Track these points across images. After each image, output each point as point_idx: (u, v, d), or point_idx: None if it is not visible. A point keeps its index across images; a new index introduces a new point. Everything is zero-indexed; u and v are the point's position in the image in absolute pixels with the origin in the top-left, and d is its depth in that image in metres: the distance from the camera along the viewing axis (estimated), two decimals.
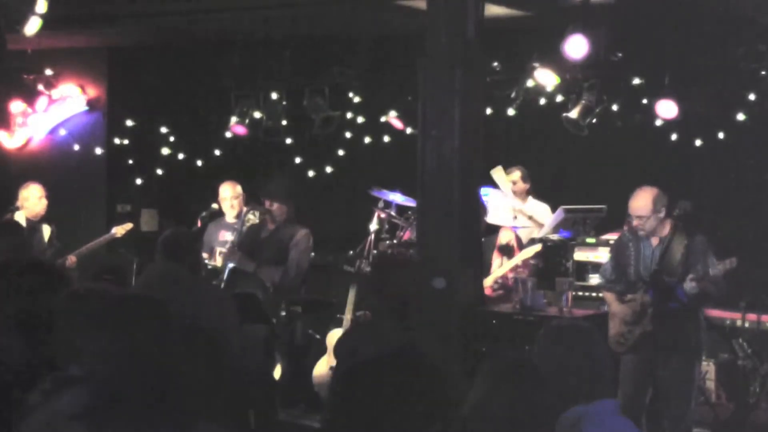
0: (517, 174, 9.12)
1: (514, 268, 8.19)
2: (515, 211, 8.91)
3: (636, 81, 8.98)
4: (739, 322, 7.91)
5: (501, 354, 3.52)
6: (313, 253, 9.34)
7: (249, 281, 7.55)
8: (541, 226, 8.84)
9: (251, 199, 8.74)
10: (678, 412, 6.62)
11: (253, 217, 8.09)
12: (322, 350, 8.06)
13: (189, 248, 5.61)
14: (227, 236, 8.34)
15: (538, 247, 8.14)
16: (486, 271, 8.07)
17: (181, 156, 11.06)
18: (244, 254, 7.81)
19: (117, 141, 11.22)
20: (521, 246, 8.36)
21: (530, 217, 8.99)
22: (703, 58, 8.63)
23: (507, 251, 8.28)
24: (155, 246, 5.74)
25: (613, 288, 6.83)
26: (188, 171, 10.93)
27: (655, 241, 6.62)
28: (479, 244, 7.02)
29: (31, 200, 8.73)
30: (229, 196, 8.87)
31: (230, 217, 8.80)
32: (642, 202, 6.56)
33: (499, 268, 8.16)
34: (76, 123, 11.35)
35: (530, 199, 9.17)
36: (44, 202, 8.76)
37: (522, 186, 9.11)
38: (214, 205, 9.01)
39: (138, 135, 11.12)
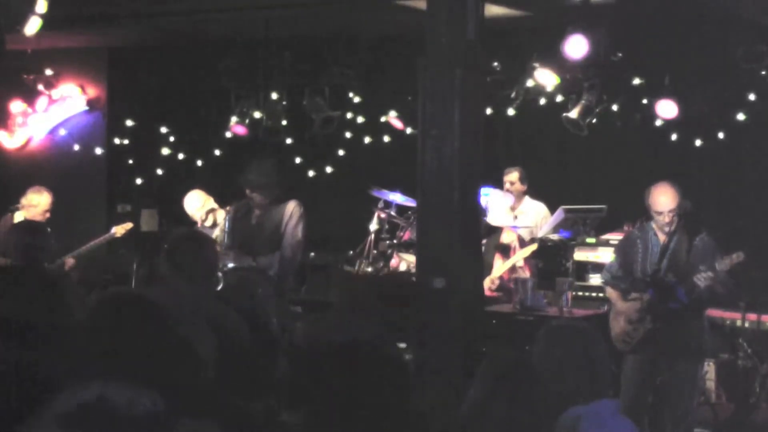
0: (515, 175, 9.12)
1: (513, 269, 8.19)
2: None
3: (636, 81, 8.98)
4: (739, 322, 7.92)
5: (500, 354, 3.50)
6: (313, 253, 9.35)
7: (250, 278, 7.51)
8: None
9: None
10: (680, 413, 6.62)
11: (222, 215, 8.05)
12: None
13: (177, 249, 5.51)
14: None
15: (533, 246, 8.13)
16: (487, 271, 8.07)
17: (181, 156, 11.06)
18: (237, 251, 7.72)
19: (117, 141, 11.23)
20: (523, 247, 8.36)
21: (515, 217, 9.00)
22: (703, 58, 8.64)
23: (507, 252, 8.29)
24: (155, 246, 5.72)
25: (618, 285, 6.83)
26: (188, 171, 10.93)
27: (663, 238, 6.62)
28: (479, 244, 7.01)
29: (39, 209, 8.69)
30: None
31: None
32: (668, 196, 6.57)
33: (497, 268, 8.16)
34: (76, 123, 11.36)
35: (527, 198, 9.18)
36: (47, 215, 8.73)
37: (520, 187, 9.12)
38: (214, 205, 9.01)
39: (138, 135, 11.12)
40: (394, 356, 2.87)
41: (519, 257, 8.16)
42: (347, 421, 2.64)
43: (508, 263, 8.16)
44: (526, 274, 8.12)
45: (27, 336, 3.60)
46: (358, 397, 2.65)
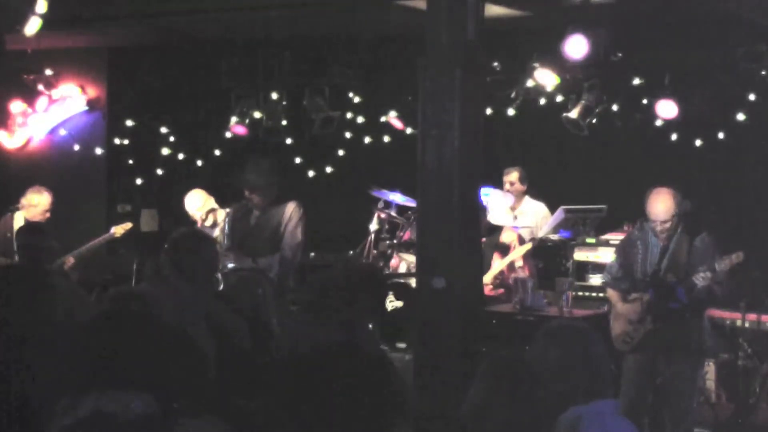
0: (515, 175, 9.13)
1: (512, 267, 8.19)
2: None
3: (636, 81, 8.98)
4: (739, 322, 7.91)
5: (500, 354, 3.50)
6: (313, 253, 9.34)
7: (250, 278, 7.50)
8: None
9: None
10: (679, 413, 6.63)
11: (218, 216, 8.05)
12: None
13: (178, 249, 5.48)
14: None
15: (528, 245, 8.15)
16: (486, 270, 8.07)
17: (181, 156, 11.05)
18: (237, 252, 7.71)
19: (117, 141, 11.22)
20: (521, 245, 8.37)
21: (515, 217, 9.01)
22: (703, 58, 8.63)
23: (507, 251, 8.29)
24: (155, 246, 5.69)
25: (618, 286, 6.83)
26: (188, 171, 10.93)
27: (662, 239, 6.62)
28: (479, 244, 7.02)
29: (39, 208, 8.69)
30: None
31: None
32: (664, 205, 6.56)
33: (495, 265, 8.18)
34: (76, 123, 11.35)
35: (527, 198, 9.18)
36: (47, 215, 8.73)
37: (519, 187, 9.12)
38: (215, 205, 9.00)
39: (138, 135, 11.12)
40: (376, 355, 2.87)
41: (516, 255, 8.16)
42: (334, 420, 2.64)
43: (506, 260, 8.18)
44: (525, 274, 8.12)
45: (27, 336, 3.60)
46: (341, 397, 2.66)
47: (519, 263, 8.27)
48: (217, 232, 8.29)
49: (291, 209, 7.67)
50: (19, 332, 3.59)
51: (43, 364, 3.36)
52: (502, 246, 8.36)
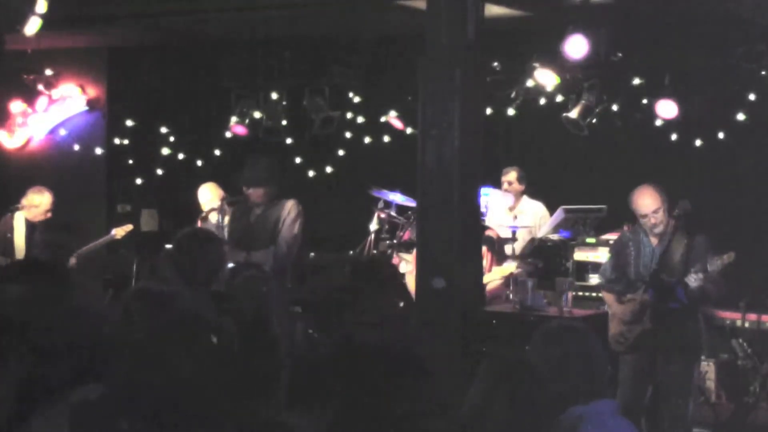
0: (513, 174, 9.12)
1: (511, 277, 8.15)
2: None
3: (636, 81, 8.99)
4: (739, 322, 7.92)
5: (500, 354, 3.50)
6: (313, 253, 9.34)
7: (255, 278, 7.48)
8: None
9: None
10: (677, 412, 6.62)
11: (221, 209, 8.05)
12: None
13: (179, 249, 5.47)
14: None
15: (513, 267, 8.08)
16: None
17: (181, 156, 11.06)
18: (232, 247, 7.69)
19: (117, 141, 11.23)
20: (501, 247, 8.31)
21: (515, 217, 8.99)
22: (703, 58, 8.64)
23: (492, 245, 8.23)
24: (155, 245, 5.71)
25: (613, 288, 6.83)
26: (188, 171, 10.93)
27: (654, 240, 6.62)
28: (479, 244, 7.02)
29: (40, 209, 8.70)
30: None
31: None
32: (649, 198, 6.56)
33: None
34: (76, 123, 11.36)
35: (525, 198, 9.18)
36: (48, 215, 8.74)
37: (518, 187, 9.11)
38: (220, 203, 8.97)
39: (138, 135, 11.12)
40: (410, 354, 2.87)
41: (499, 273, 8.10)
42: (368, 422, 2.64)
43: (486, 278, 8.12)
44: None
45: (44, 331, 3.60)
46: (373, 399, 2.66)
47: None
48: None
49: (290, 206, 7.72)
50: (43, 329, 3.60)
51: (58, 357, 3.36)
52: (487, 240, 8.30)
